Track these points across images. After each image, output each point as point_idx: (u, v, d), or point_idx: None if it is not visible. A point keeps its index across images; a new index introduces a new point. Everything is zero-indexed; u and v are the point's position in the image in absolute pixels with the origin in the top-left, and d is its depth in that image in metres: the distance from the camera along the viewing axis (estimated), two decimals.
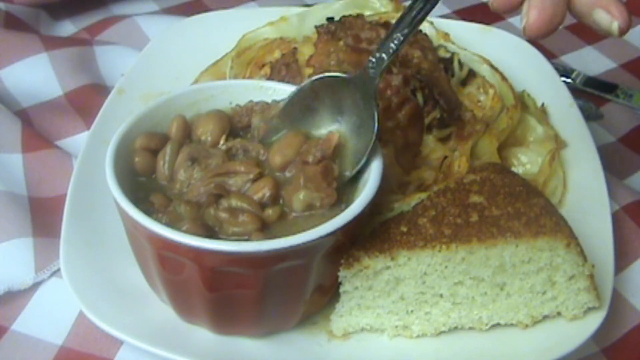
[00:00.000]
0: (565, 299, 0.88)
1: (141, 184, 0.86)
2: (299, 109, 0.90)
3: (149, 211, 0.80)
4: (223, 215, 0.81)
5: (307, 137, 0.88)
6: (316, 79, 0.89)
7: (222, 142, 0.89)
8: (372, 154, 0.87)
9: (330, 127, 0.89)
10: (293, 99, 0.90)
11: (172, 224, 0.79)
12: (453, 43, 1.19)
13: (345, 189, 0.86)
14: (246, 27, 1.21)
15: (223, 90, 0.96)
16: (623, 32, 0.72)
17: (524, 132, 1.12)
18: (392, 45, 0.87)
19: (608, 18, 0.72)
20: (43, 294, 0.95)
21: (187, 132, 0.90)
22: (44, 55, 1.25)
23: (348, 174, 0.86)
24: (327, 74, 0.89)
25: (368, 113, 0.87)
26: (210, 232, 0.80)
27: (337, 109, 0.89)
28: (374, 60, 0.88)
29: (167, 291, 0.85)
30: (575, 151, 1.11)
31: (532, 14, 0.73)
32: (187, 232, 0.78)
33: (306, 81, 0.90)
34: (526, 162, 1.08)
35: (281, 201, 0.84)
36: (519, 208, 0.87)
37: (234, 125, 0.92)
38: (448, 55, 1.14)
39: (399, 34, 0.87)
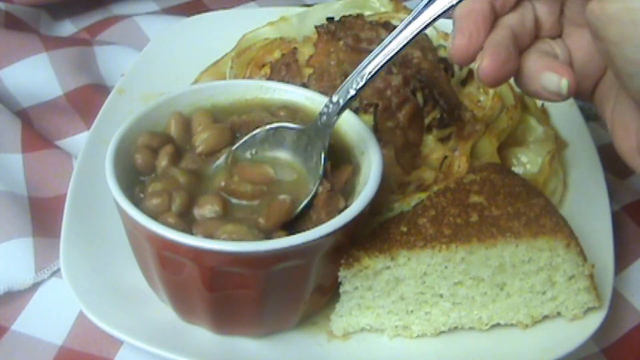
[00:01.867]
0: (565, 299, 0.88)
1: (141, 183, 0.86)
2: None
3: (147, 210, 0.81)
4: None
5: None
6: (270, 129, 0.87)
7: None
8: (371, 155, 0.87)
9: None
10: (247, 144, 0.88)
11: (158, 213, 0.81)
12: None
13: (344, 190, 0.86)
14: (246, 27, 1.21)
15: (223, 90, 0.96)
16: (572, 91, 0.72)
17: (524, 132, 1.12)
18: (341, 99, 0.83)
19: (556, 77, 0.71)
20: (43, 294, 0.95)
21: (186, 128, 0.91)
22: (44, 55, 1.25)
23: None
24: (280, 125, 0.88)
25: (313, 166, 0.85)
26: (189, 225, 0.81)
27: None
28: (324, 113, 0.85)
29: (167, 291, 0.85)
30: (575, 151, 1.11)
31: (485, 59, 0.72)
32: (165, 221, 0.79)
33: (262, 129, 0.88)
34: (526, 162, 1.08)
35: None
36: (519, 208, 0.87)
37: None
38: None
39: (350, 88, 0.82)
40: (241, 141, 0.88)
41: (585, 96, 0.79)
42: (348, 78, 0.83)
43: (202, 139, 0.89)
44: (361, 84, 0.82)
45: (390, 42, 0.79)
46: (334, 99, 0.84)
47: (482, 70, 0.72)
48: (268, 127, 0.88)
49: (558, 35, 0.78)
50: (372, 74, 0.81)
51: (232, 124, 0.91)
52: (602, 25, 0.64)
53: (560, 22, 0.78)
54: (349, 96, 0.83)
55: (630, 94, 0.69)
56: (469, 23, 0.74)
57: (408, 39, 0.78)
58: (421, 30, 0.77)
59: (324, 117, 0.85)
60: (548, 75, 0.72)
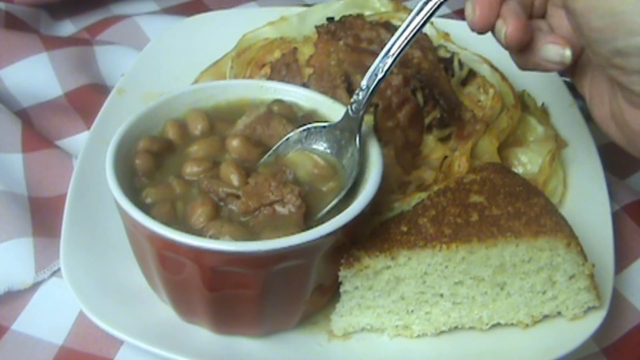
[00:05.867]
0: (565, 299, 0.88)
1: (141, 184, 0.86)
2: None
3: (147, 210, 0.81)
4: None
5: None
6: (303, 130, 0.89)
7: None
8: (371, 155, 0.87)
9: None
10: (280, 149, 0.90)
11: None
12: (453, 43, 1.19)
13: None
14: (246, 27, 1.21)
15: (223, 90, 0.96)
16: (575, 57, 0.81)
17: (524, 132, 1.12)
18: (370, 83, 0.87)
19: (559, 48, 0.80)
20: (43, 294, 0.95)
21: (183, 130, 0.91)
22: (44, 55, 1.25)
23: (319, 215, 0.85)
24: (312, 125, 0.89)
25: (350, 152, 0.87)
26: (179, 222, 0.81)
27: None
28: (354, 102, 0.88)
29: (167, 291, 0.85)
30: (575, 151, 1.11)
31: (510, 25, 0.80)
32: (156, 212, 0.80)
33: (295, 132, 0.89)
34: (526, 162, 1.08)
35: None
36: (519, 208, 0.87)
37: None
38: (448, 55, 1.14)
39: (378, 71, 0.86)
40: (275, 146, 0.89)
41: (566, 70, 0.86)
42: (375, 63, 0.86)
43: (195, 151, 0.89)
44: (389, 62, 0.85)
45: (411, 21, 0.84)
46: (363, 84, 0.87)
47: (510, 34, 0.80)
48: (301, 129, 0.89)
49: (542, 15, 0.86)
50: (399, 52, 0.85)
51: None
52: None
53: (545, 3, 0.86)
54: (378, 78, 0.86)
55: (598, 61, 0.75)
56: None
57: (427, 15, 0.84)
58: (439, 5, 0.83)
59: (354, 105, 0.87)
60: (550, 47, 0.80)
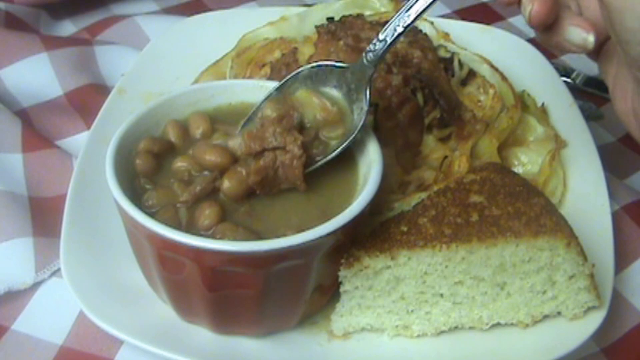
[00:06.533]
0: (565, 299, 0.88)
1: (140, 184, 0.86)
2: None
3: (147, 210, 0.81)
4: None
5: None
6: (314, 67, 0.89)
7: None
8: (370, 154, 0.87)
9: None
10: (288, 84, 0.90)
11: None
12: (453, 43, 1.19)
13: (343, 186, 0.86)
14: (246, 27, 1.21)
15: (223, 90, 0.96)
16: (599, 44, 0.80)
17: (524, 132, 1.12)
18: (388, 36, 0.87)
19: (583, 32, 0.79)
20: (43, 294, 0.95)
21: (185, 132, 0.91)
22: (44, 55, 1.25)
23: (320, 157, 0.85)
24: (324, 62, 0.90)
25: (358, 102, 0.87)
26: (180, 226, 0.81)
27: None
28: (370, 50, 0.88)
29: (167, 291, 0.85)
30: (575, 151, 1.11)
31: (536, 4, 0.79)
32: (159, 217, 0.80)
33: (305, 67, 0.90)
34: (526, 162, 1.09)
35: None
36: (519, 208, 0.87)
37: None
38: (448, 55, 1.14)
39: (397, 26, 0.86)
40: (285, 79, 0.89)
41: (591, 54, 0.84)
42: (395, 16, 0.86)
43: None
44: (408, 21, 0.85)
45: None
46: (381, 36, 0.86)
47: (534, 13, 0.78)
48: (311, 64, 0.89)
49: None
50: (421, 10, 0.84)
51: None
52: None
53: None
54: (396, 33, 0.86)
55: (627, 60, 0.74)
56: None
57: None
58: None
59: (370, 55, 0.87)
60: (574, 29, 0.79)
